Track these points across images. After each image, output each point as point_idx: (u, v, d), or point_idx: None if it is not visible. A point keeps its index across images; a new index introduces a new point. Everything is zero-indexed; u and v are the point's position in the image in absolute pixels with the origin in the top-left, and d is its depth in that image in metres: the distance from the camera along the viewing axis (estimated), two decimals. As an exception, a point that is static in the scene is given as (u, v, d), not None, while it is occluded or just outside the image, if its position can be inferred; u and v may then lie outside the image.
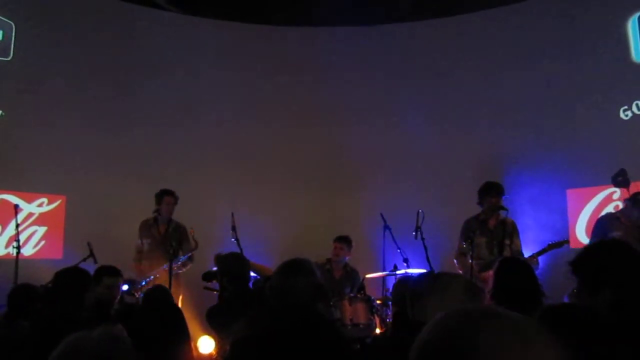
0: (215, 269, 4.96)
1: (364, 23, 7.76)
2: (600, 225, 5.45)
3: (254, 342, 1.12)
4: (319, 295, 2.48)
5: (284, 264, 2.50)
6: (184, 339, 3.07)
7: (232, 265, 3.76)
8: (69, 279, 3.20)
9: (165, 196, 5.93)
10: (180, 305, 5.32)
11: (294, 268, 2.47)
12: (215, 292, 4.99)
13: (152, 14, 7.50)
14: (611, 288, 1.90)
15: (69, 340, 1.54)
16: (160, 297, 3.46)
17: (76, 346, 1.52)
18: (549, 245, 5.13)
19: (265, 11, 7.70)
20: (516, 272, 2.80)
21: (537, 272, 5.31)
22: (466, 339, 0.87)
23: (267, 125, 7.49)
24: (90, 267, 5.55)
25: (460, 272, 5.11)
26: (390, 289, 5.24)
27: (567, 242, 5.37)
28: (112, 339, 1.55)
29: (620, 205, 5.95)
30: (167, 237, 5.84)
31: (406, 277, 3.82)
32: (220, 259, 4.10)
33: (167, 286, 5.25)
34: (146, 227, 5.98)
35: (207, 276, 4.88)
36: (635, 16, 6.72)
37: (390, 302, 5.15)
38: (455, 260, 5.34)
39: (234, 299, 3.62)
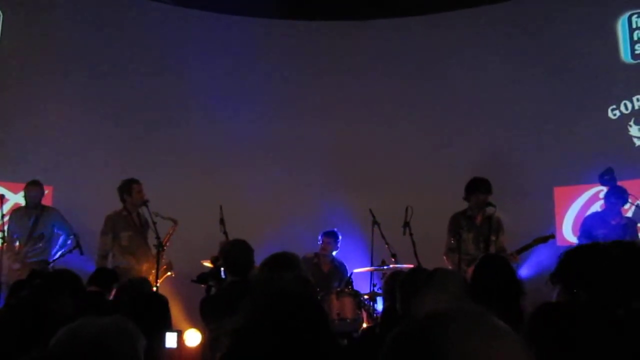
0: (211, 266, 4.86)
1: (359, 17, 7.74)
2: (586, 224, 5.52)
3: (254, 330, 1.12)
4: (305, 289, 2.48)
5: (270, 257, 2.50)
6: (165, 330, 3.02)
7: (239, 255, 3.64)
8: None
9: (134, 184, 5.67)
10: None
11: (280, 262, 2.47)
12: (203, 286, 4.95)
13: (143, 4, 7.44)
14: (586, 291, 1.94)
15: (72, 326, 1.51)
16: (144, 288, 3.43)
17: (77, 332, 1.49)
18: (534, 240, 5.14)
19: (259, 4, 7.66)
20: (494, 270, 2.80)
21: (529, 273, 5.35)
22: (432, 341, 0.84)
23: (256, 119, 7.47)
24: (77, 258, 5.56)
25: (450, 267, 5.13)
26: (379, 284, 5.25)
27: (553, 236, 5.40)
28: (116, 329, 1.51)
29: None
30: (144, 227, 5.68)
31: (398, 272, 3.83)
32: (226, 247, 3.95)
33: (152, 279, 5.23)
34: (122, 219, 5.65)
35: (201, 278, 4.69)
36: (624, 16, 6.77)
37: (377, 297, 5.16)
38: (444, 257, 5.36)
39: (232, 289, 3.53)
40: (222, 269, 3.95)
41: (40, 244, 5.74)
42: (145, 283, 3.91)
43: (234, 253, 3.61)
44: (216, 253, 5.32)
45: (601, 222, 5.51)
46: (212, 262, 4.63)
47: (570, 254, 2.09)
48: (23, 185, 6.10)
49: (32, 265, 5.43)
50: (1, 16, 6.80)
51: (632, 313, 1.87)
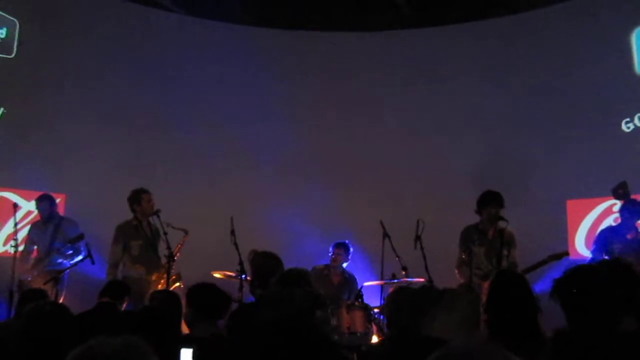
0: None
1: (363, 29, 7.77)
2: (602, 238, 5.46)
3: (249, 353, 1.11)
4: (316, 305, 2.47)
5: (282, 273, 2.50)
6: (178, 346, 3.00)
7: (269, 268, 3.54)
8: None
9: (143, 194, 5.70)
10: None
11: (291, 278, 2.46)
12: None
13: (157, 14, 7.51)
14: (587, 313, 1.96)
15: (86, 346, 1.50)
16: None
17: (92, 352, 1.48)
18: (548, 257, 5.07)
19: (270, 14, 7.71)
20: (512, 287, 2.76)
21: (543, 288, 5.27)
22: None
23: (266, 131, 7.46)
24: (88, 267, 5.58)
25: (462, 281, 5.09)
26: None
27: (567, 253, 5.32)
28: (131, 348, 1.51)
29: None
30: (155, 236, 5.70)
31: (400, 290, 3.78)
32: (258, 260, 3.86)
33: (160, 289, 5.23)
34: (132, 228, 5.69)
35: None
36: (638, 28, 6.72)
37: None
38: (456, 270, 5.31)
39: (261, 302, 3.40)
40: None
41: (59, 254, 5.84)
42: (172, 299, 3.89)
43: (267, 268, 3.50)
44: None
45: (616, 236, 5.45)
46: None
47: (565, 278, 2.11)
48: (36, 193, 6.17)
49: (46, 274, 5.53)
50: (17, 25, 6.89)
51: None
